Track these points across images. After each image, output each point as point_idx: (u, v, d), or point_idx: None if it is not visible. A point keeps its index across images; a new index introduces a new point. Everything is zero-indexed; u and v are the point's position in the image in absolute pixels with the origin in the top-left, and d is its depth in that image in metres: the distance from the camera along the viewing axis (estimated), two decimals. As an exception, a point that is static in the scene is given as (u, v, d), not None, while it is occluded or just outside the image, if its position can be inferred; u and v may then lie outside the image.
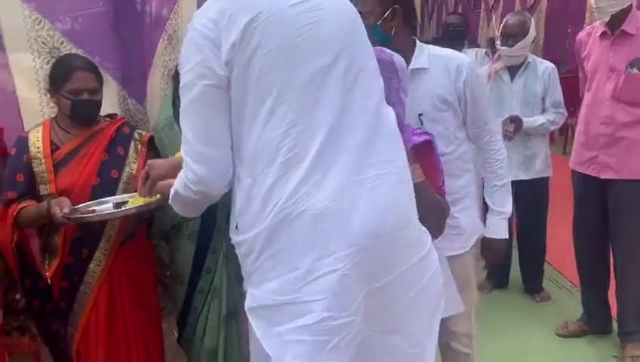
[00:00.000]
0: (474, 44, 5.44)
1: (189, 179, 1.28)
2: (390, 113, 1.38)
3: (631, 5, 2.63)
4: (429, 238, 1.39)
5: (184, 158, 1.29)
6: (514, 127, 3.12)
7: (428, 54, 1.92)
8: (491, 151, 2.01)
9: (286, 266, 1.21)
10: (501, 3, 9.18)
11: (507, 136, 3.12)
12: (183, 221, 2.01)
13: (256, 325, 1.27)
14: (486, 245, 2.10)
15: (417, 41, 1.97)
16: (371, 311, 1.26)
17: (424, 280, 1.33)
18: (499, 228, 2.05)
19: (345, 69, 1.28)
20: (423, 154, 1.69)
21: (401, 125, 1.61)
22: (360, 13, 1.45)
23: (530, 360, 2.83)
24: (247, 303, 1.31)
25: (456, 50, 3.80)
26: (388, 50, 1.64)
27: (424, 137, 1.74)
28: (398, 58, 1.65)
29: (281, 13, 1.25)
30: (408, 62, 1.84)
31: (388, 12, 1.82)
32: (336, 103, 1.25)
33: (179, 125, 1.34)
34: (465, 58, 2.00)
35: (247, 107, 1.24)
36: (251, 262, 1.28)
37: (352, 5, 1.39)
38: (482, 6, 9.55)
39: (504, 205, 2.04)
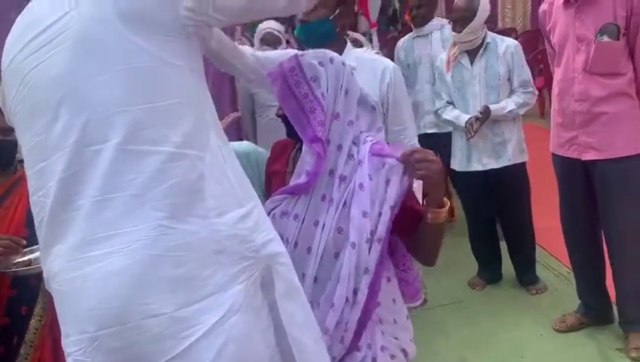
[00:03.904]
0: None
1: None
2: (153, 157, 1.02)
3: (593, -34, 2.37)
4: (197, 329, 1.03)
5: None
6: (480, 123, 2.90)
7: (355, 57, 1.95)
8: None
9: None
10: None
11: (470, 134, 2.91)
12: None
13: None
14: None
15: (348, 44, 2.03)
16: None
17: None
18: None
19: (67, 121, 1.02)
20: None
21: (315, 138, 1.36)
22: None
23: (528, 363, 2.62)
24: None
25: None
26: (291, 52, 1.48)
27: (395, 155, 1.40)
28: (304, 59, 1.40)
29: (13, 63, 1.10)
30: None
31: (339, 8, 1.88)
32: (60, 165, 1.04)
33: None
34: (390, 63, 2.05)
35: None
36: None
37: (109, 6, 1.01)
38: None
39: None
